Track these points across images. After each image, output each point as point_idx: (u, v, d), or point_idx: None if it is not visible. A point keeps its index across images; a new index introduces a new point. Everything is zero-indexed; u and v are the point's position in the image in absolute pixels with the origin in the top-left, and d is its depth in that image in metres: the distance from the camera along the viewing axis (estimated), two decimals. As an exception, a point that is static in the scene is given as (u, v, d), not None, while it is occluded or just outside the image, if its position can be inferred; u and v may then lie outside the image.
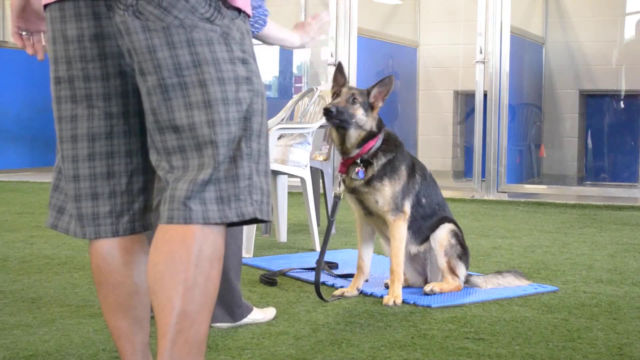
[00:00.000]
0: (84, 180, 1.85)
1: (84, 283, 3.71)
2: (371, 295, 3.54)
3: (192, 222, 1.68)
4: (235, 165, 1.72)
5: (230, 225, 1.76)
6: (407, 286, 3.60)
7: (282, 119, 5.20)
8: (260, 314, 3.07)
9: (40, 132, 9.98)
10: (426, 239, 3.58)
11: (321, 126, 4.97)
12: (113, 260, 1.90)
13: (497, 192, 7.86)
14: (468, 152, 9.52)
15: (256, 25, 3.22)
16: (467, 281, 3.61)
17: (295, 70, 10.48)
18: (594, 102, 9.64)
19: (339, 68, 3.55)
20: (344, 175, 3.48)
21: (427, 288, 3.49)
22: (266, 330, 2.94)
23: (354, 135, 3.42)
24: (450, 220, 3.62)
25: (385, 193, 3.43)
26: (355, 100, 3.41)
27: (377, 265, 4.00)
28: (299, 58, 10.41)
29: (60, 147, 1.88)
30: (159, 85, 1.71)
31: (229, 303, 2.95)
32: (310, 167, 4.98)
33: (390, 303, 3.33)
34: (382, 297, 3.44)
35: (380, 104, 3.46)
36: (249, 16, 1.83)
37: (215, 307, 2.97)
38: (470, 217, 6.36)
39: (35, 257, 4.38)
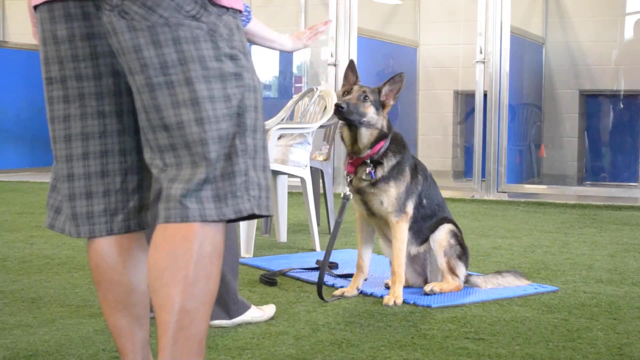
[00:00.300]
0: (78, 179, 1.86)
1: (84, 283, 3.71)
2: (371, 295, 3.54)
3: (189, 220, 1.69)
4: (230, 162, 1.71)
5: (230, 221, 1.76)
6: (407, 286, 3.60)
7: (282, 119, 5.20)
8: (259, 312, 3.06)
9: (40, 132, 9.98)
10: (426, 239, 3.58)
11: (321, 126, 4.97)
12: (110, 259, 1.90)
13: (497, 192, 7.86)
14: (468, 152, 9.52)
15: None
16: (467, 281, 3.61)
17: (295, 70, 10.48)
18: (594, 102, 9.63)
19: (351, 66, 3.54)
20: (352, 176, 3.47)
21: (427, 288, 3.49)
22: (266, 330, 2.94)
23: (366, 134, 3.41)
24: (450, 220, 3.62)
25: (391, 194, 3.43)
26: (367, 98, 3.39)
27: (377, 265, 4.00)
28: (299, 58, 10.41)
29: (54, 147, 1.88)
30: (147, 84, 1.71)
31: (223, 299, 2.95)
32: (310, 167, 4.98)
33: (391, 303, 3.33)
34: (382, 297, 3.44)
35: (391, 102, 3.44)
36: (240, 12, 1.82)
37: None
38: (470, 217, 6.36)
39: (35, 257, 4.38)
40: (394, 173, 3.44)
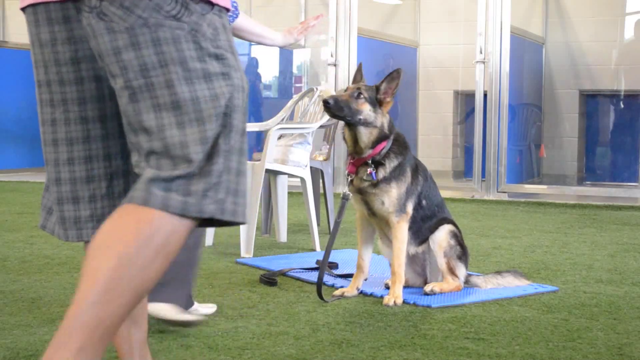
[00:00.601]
0: (65, 184, 1.83)
1: (84, 283, 3.70)
2: (371, 295, 3.54)
3: (149, 205, 1.61)
4: (210, 162, 1.66)
5: (202, 224, 1.70)
6: (406, 286, 3.60)
7: (282, 119, 5.21)
8: (201, 308, 3.13)
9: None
10: (425, 240, 3.58)
11: (321, 126, 4.97)
12: None
13: (497, 192, 7.86)
14: (468, 152, 9.52)
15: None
16: (467, 281, 3.61)
17: (295, 70, 10.48)
18: (594, 102, 9.64)
19: (359, 68, 3.57)
20: (353, 176, 3.47)
21: (427, 288, 3.49)
22: (266, 330, 2.94)
23: (365, 133, 3.40)
24: (450, 221, 3.62)
25: (392, 195, 3.42)
26: (361, 95, 3.38)
27: (377, 265, 4.00)
28: (299, 58, 10.41)
29: (44, 150, 1.86)
30: (127, 87, 1.67)
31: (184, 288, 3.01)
32: (310, 167, 4.98)
33: (391, 303, 3.33)
34: (382, 297, 3.44)
35: (389, 99, 3.42)
36: (227, 10, 1.78)
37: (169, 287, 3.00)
38: (470, 217, 6.36)
39: (35, 257, 4.38)
40: (396, 174, 3.44)
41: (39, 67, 1.81)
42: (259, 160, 4.67)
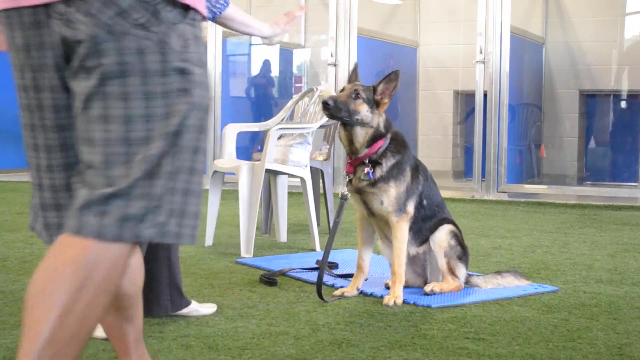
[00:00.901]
0: (47, 191, 1.78)
1: (84, 283, 3.71)
2: (371, 295, 3.54)
3: (82, 234, 1.54)
4: (150, 183, 1.58)
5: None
6: (406, 287, 3.60)
7: (282, 119, 5.21)
8: (197, 306, 3.15)
9: (40, 132, 9.98)
10: (425, 240, 3.58)
11: (321, 126, 4.97)
12: None
13: (497, 192, 7.86)
14: (468, 152, 9.52)
15: (217, 5, 3.12)
16: (467, 281, 3.61)
17: (295, 70, 10.48)
18: (594, 102, 9.64)
19: (354, 69, 3.57)
20: (351, 176, 3.47)
21: (428, 288, 3.49)
22: (266, 330, 2.94)
23: (361, 133, 3.40)
24: (450, 221, 3.62)
25: (391, 194, 3.42)
26: (359, 96, 3.38)
27: (377, 265, 4.00)
28: (299, 58, 10.41)
29: (26, 154, 1.81)
30: (83, 93, 1.59)
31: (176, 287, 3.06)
32: (310, 167, 4.98)
33: (391, 303, 3.33)
34: (382, 297, 3.44)
35: (387, 101, 3.42)
36: (203, 16, 1.70)
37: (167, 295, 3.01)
38: (470, 217, 6.36)
39: (35, 257, 4.38)
40: (394, 173, 3.43)
41: (16, 71, 1.76)
42: (259, 160, 4.67)
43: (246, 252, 4.50)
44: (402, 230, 3.45)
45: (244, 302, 3.39)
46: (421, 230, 3.56)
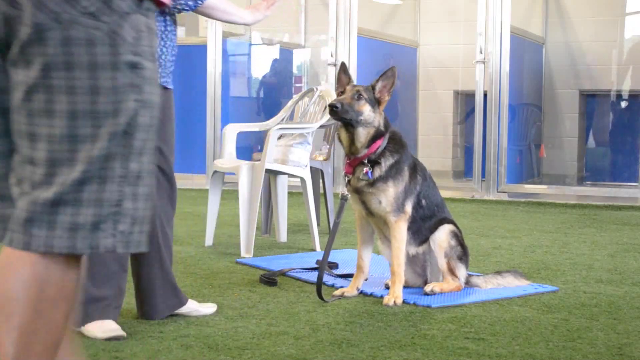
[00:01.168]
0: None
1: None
2: (371, 295, 3.54)
3: (32, 249, 1.45)
4: (102, 188, 1.47)
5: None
6: (406, 287, 3.60)
7: (282, 119, 5.20)
8: (196, 305, 3.16)
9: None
10: (425, 240, 3.57)
11: (321, 126, 4.97)
12: None
13: (497, 192, 7.86)
14: (468, 152, 9.52)
15: None
16: (467, 281, 3.61)
17: (295, 70, 10.48)
18: (594, 102, 9.63)
19: (343, 68, 3.54)
20: (350, 176, 3.47)
21: (428, 288, 3.49)
22: (266, 330, 2.94)
23: (363, 133, 3.40)
24: (450, 221, 3.62)
25: (389, 194, 3.42)
26: (361, 97, 3.38)
27: (377, 265, 4.00)
28: (299, 58, 10.41)
29: None
30: (25, 84, 1.47)
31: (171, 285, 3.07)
32: (310, 167, 4.98)
33: (391, 303, 3.33)
34: (382, 297, 3.44)
35: (386, 98, 3.42)
36: (163, 4, 1.60)
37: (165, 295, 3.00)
38: (470, 217, 6.35)
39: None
40: (392, 172, 3.43)
41: None
42: (259, 160, 4.67)
43: (246, 252, 4.50)
44: (400, 230, 3.45)
45: (244, 302, 3.39)
46: (420, 230, 3.56)
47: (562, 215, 6.59)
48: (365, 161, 3.42)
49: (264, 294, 3.56)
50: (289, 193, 5.20)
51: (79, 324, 2.87)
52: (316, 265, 4.02)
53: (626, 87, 9.34)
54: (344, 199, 3.49)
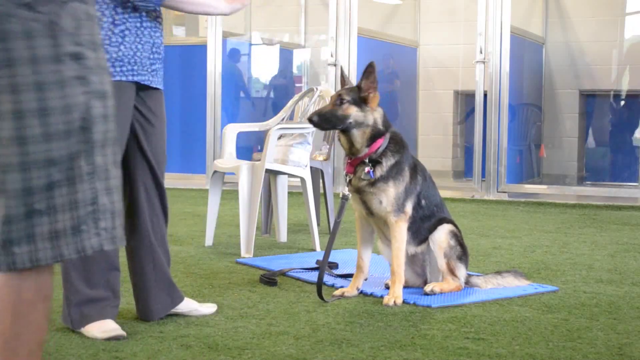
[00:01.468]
0: None
1: (84, 283, 3.70)
2: (371, 295, 3.54)
3: (18, 268, 1.40)
4: (73, 189, 1.41)
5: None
6: (406, 287, 3.60)
7: (282, 119, 5.20)
8: (201, 307, 3.16)
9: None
10: (424, 240, 3.57)
11: (321, 126, 4.96)
12: None
13: (497, 192, 7.86)
14: (468, 152, 9.52)
15: None
16: (467, 281, 3.61)
17: (295, 70, 10.48)
18: (594, 102, 9.63)
19: (341, 73, 3.60)
20: (351, 176, 3.47)
21: (428, 288, 3.49)
22: (266, 330, 2.94)
23: (358, 134, 3.40)
24: (449, 221, 3.62)
25: (390, 194, 3.42)
26: (343, 100, 3.38)
27: (377, 265, 4.00)
28: (299, 58, 10.41)
29: None
30: None
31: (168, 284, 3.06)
32: (310, 167, 4.98)
33: (391, 303, 3.33)
34: (382, 297, 3.44)
35: (374, 94, 3.39)
36: None
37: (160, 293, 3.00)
38: (470, 217, 6.35)
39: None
40: (393, 173, 3.43)
41: None
42: (259, 160, 4.67)
43: (246, 252, 4.50)
44: (400, 230, 3.45)
45: (244, 302, 3.39)
46: (420, 230, 3.56)
47: (562, 215, 6.59)
48: (367, 160, 3.42)
49: (264, 294, 3.55)
50: (289, 193, 5.20)
51: (79, 325, 2.88)
52: (316, 265, 4.02)
53: (626, 87, 9.34)
54: (344, 198, 3.49)
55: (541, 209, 7.05)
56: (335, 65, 8.20)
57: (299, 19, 10.23)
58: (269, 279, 3.74)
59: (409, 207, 3.48)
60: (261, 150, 5.19)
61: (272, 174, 4.90)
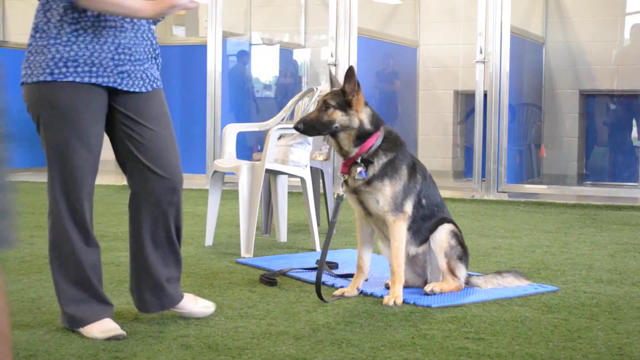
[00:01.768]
0: None
1: (84, 283, 3.70)
2: (371, 295, 3.54)
3: None
4: None
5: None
6: (406, 287, 3.60)
7: (282, 119, 5.20)
8: (197, 308, 3.11)
9: (40, 132, 9.97)
10: (425, 240, 3.57)
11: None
12: None
13: (497, 192, 7.86)
14: (468, 152, 9.51)
15: None
16: (467, 281, 3.61)
17: (295, 70, 10.48)
18: (594, 102, 9.63)
19: (329, 75, 3.64)
20: (346, 176, 3.48)
21: (428, 288, 3.49)
22: (266, 330, 2.94)
23: (345, 137, 3.42)
24: (450, 220, 3.62)
25: (386, 193, 3.42)
26: (329, 106, 3.40)
27: (377, 265, 4.00)
28: (299, 58, 10.41)
29: None
30: None
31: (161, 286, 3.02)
32: (310, 167, 4.98)
33: (391, 303, 3.33)
34: (382, 297, 3.44)
35: (357, 96, 3.38)
36: None
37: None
38: (470, 217, 6.35)
39: (35, 257, 4.38)
40: (388, 171, 3.43)
41: None
42: (259, 160, 4.67)
43: (246, 252, 4.50)
44: (399, 229, 3.45)
45: (244, 302, 3.39)
46: (420, 230, 3.56)
47: (562, 215, 6.59)
48: (358, 160, 3.42)
49: (264, 294, 3.56)
50: (289, 193, 5.20)
51: (75, 325, 2.87)
52: (316, 265, 4.02)
53: (626, 87, 9.34)
54: (339, 199, 3.50)
55: (541, 209, 7.05)
56: (335, 65, 8.20)
57: (299, 19, 10.23)
58: (269, 279, 3.74)
59: (408, 207, 3.48)
60: (261, 150, 5.19)
61: (272, 174, 4.90)
